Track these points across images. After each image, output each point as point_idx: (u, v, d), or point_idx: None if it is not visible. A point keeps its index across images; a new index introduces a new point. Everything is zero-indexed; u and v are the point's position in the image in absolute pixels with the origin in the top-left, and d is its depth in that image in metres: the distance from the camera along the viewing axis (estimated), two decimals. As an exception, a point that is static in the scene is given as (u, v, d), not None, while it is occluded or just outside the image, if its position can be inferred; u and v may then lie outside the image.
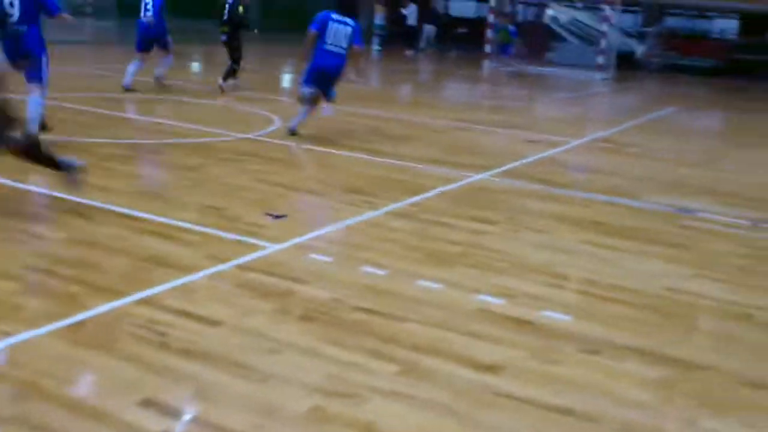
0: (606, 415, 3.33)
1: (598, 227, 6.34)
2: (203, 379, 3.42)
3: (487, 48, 23.47)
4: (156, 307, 4.14)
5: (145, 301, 4.22)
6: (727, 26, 29.51)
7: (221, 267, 4.81)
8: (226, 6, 13.13)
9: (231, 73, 13.18)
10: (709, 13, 30.21)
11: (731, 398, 3.56)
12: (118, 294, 4.25)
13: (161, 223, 5.62)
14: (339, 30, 9.15)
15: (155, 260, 4.85)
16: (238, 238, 5.40)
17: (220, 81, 12.96)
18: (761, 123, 14.67)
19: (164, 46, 12.82)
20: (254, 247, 5.21)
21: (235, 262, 4.91)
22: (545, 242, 5.83)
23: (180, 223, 5.63)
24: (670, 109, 15.64)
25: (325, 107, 9.78)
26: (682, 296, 4.85)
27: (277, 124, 10.29)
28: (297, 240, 5.42)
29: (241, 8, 12.97)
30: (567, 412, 3.33)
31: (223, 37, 13.34)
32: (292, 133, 9.43)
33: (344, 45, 9.18)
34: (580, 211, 6.88)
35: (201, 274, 4.68)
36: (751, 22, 27.61)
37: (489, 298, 4.56)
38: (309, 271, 4.85)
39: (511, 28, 18.86)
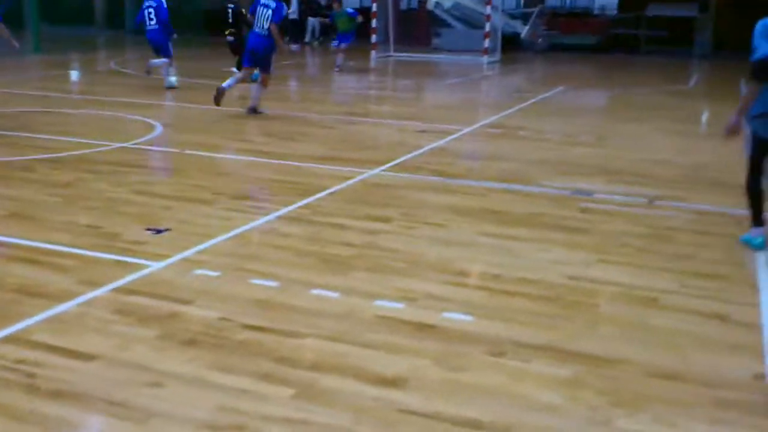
0: (516, 423, 3.15)
1: (497, 217, 6.21)
2: (76, 423, 3.06)
3: (373, 38, 23.30)
4: (23, 345, 3.74)
5: (10, 339, 3.80)
6: (607, 2, 30.28)
7: (97, 292, 4.41)
8: (229, 10, 14.65)
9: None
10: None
11: (643, 392, 3.43)
12: (-22, 334, 3.81)
13: (30, 248, 5.15)
14: (262, 13, 10.78)
15: (23, 290, 4.41)
16: (117, 258, 4.99)
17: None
18: (643, 97, 15.02)
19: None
20: (134, 267, 4.82)
21: (112, 285, 4.52)
22: (443, 237, 5.65)
23: (51, 246, 5.18)
24: (557, 88, 15.83)
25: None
26: (586, 284, 4.75)
27: (159, 130, 9.78)
28: (181, 255, 5.06)
29: (243, 10, 14.03)
30: (476, 425, 3.13)
31: (230, 38, 14.95)
32: (253, 111, 11.13)
33: (266, 26, 10.78)
34: (476, 201, 6.74)
35: (75, 302, 4.27)
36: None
37: (388, 303, 4.34)
38: (195, 289, 4.50)
39: (350, 11, 18.30)
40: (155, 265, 4.86)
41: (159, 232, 5.55)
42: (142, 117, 10.68)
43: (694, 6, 27.31)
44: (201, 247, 5.25)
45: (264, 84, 11.34)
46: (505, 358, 3.73)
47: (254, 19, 10.94)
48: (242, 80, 11.67)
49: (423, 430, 3.09)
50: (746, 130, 5.76)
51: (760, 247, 5.53)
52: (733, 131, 5.54)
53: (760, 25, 5.32)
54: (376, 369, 3.57)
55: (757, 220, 5.59)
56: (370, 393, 3.36)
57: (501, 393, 3.39)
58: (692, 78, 20.47)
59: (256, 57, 11.09)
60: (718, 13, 27.29)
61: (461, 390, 3.41)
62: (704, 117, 13.27)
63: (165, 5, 13.74)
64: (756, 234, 5.57)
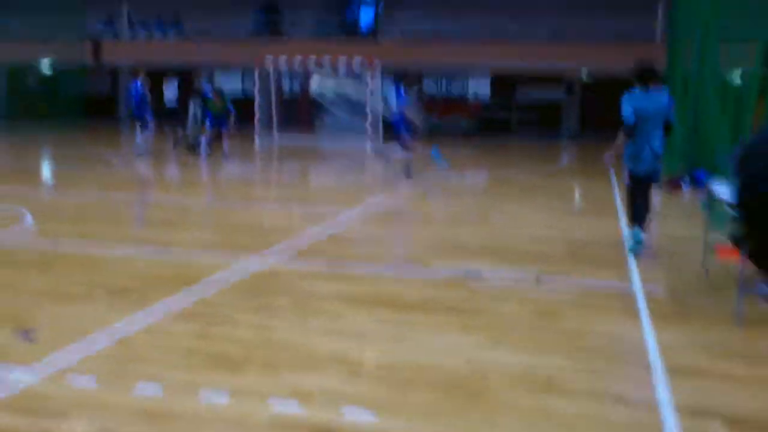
0: None
1: (390, 302, 6.10)
2: None
3: (256, 123, 23.30)
4: None
5: None
6: (480, 88, 31.56)
7: (-44, 409, 3.96)
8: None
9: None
10: (464, 77, 32.16)
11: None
12: None
13: None
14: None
15: None
16: (-20, 368, 4.54)
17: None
18: (521, 177, 15.52)
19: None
20: None
21: (-27, 400, 4.07)
22: (336, 327, 5.48)
23: None
24: (437, 170, 16.13)
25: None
26: (484, 366, 4.66)
27: (29, 220, 9.23)
28: (54, 361, 4.65)
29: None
30: None
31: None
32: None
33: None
34: (368, 286, 6.62)
35: (-70, 422, 3.81)
36: (500, 82, 29.70)
37: (283, 404, 4.09)
38: (70, 399, 4.12)
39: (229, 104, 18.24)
40: (23, 375, 4.44)
41: (27, 334, 5.12)
42: (10, 206, 10.08)
43: (561, 90, 28.85)
44: (76, 350, 4.86)
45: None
46: (409, 456, 3.55)
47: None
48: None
49: None
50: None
51: (638, 242, 7.87)
52: (609, 163, 8.03)
53: (624, 96, 7.76)
54: (274, 478, 3.32)
55: (633, 222, 7.98)
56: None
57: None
58: (562, 157, 21.39)
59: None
60: (583, 96, 28.90)
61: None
62: (577, 194, 13.79)
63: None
64: (634, 231, 7.91)
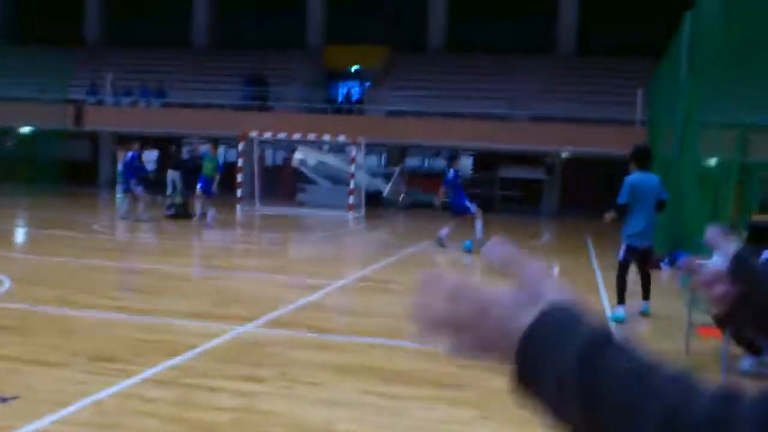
0: None
1: (377, 374, 5.98)
2: None
3: (239, 192, 23.32)
4: None
5: None
6: (463, 164, 31.93)
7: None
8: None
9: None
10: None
11: None
12: None
13: None
14: None
15: None
16: (-47, 433, 4.36)
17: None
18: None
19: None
20: (-26, 444, 4.21)
21: (-54, 467, 3.90)
22: (322, 397, 5.35)
23: None
24: (423, 243, 16.15)
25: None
26: (474, 445, 4.55)
27: (7, 285, 9.06)
28: (31, 427, 4.48)
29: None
30: None
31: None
32: None
33: None
34: (354, 357, 6.50)
35: None
36: (483, 159, 30.09)
37: (270, 476, 3.95)
38: (47, 467, 3.95)
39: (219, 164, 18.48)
40: (-1, 440, 4.28)
41: (4, 400, 4.94)
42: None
43: (541, 170, 29.26)
44: (54, 416, 4.69)
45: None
46: None
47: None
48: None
49: None
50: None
51: (621, 320, 8.23)
52: (609, 218, 8.75)
53: (626, 180, 8.28)
54: None
55: (621, 300, 8.43)
56: None
57: None
58: (543, 235, 21.51)
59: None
60: (564, 175, 29.29)
61: None
62: (556, 272, 13.80)
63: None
64: (620, 311, 8.36)
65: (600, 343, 0.74)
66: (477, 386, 5.77)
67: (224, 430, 4.61)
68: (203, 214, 17.59)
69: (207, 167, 17.56)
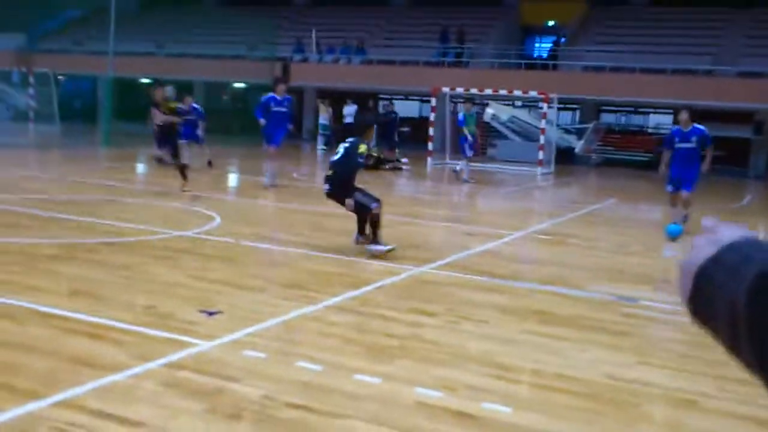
0: None
1: (540, 317, 6.28)
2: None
3: (430, 145, 23.92)
4: (76, 409, 3.91)
5: (64, 404, 3.97)
6: (662, 120, 30.67)
7: (149, 366, 4.59)
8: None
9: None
10: (644, 109, 31.42)
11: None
12: (37, 396, 4.01)
13: (89, 323, 5.39)
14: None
15: (80, 361, 4.62)
16: (170, 336, 5.19)
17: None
18: (697, 213, 15.03)
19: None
20: (186, 345, 5.00)
21: (164, 360, 4.69)
22: (486, 333, 5.74)
23: (109, 322, 5.41)
24: (609, 201, 15.96)
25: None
26: (625, 384, 4.77)
27: (218, 221, 10.16)
28: (231, 336, 5.24)
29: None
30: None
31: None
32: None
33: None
34: (521, 301, 6.83)
35: (127, 373, 4.45)
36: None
37: (428, 392, 4.42)
38: (242, 368, 4.66)
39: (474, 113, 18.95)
40: (205, 344, 5.04)
41: (211, 314, 5.76)
42: (203, 209, 11.12)
43: (748, 128, 27.48)
44: (250, 329, 5.43)
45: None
46: (541, 448, 3.77)
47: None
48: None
49: None
50: None
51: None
52: None
53: None
54: (413, 451, 3.64)
55: None
56: (405, 473, 3.42)
57: (534, 480, 3.43)
58: (746, 196, 20.38)
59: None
60: (775, 135, 27.36)
61: (495, 475, 3.45)
62: (760, 234, 13.20)
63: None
64: None
65: None
66: (638, 334, 5.93)
67: (393, 352, 5.13)
68: (460, 170, 18.48)
69: (470, 127, 18.40)
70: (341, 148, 8.66)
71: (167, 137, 13.11)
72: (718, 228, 0.85)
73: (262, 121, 14.18)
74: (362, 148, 8.48)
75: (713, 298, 0.80)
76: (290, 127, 14.57)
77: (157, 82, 14.20)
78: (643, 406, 4.43)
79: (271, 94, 14.34)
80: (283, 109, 14.22)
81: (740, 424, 4.24)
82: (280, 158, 15.05)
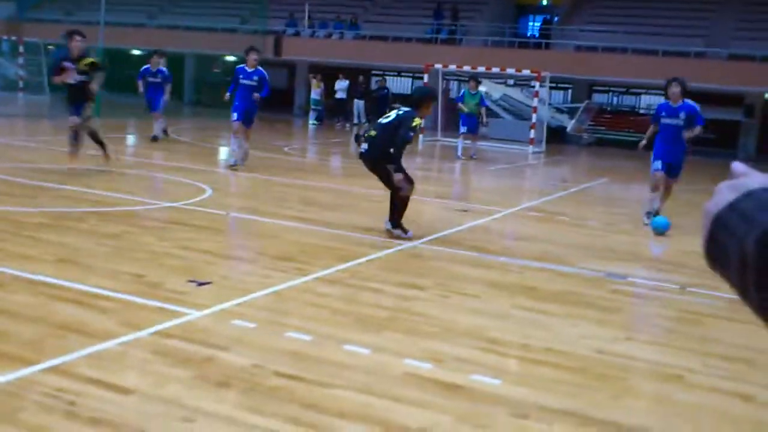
0: (535, 479, 3.20)
1: (530, 292, 6.30)
2: (108, 451, 3.19)
3: (422, 122, 23.90)
4: (66, 375, 3.90)
5: (54, 369, 3.97)
6: (654, 102, 30.66)
7: (138, 334, 4.58)
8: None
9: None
10: (636, 90, 31.40)
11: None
12: (26, 362, 4.00)
13: (77, 291, 5.37)
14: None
15: (69, 327, 4.61)
16: (159, 304, 5.18)
17: None
18: (686, 193, 15.08)
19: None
20: (175, 314, 5.00)
21: (153, 329, 4.69)
22: (476, 307, 5.76)
23: (97, 290, 5.40)
24: (600, 180, 15.99)
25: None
26: (613, 358, 4.80)
27: (209, 193, 10.12)
28: (220, 306, 5.23)
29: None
30: (495, 476, 3.19)
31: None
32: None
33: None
34: (511, 277, 6.85)
35: (117, 341, 4.44)
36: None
37: (417, 363, 4.43)
38: (231, 337, 4.66)
39: (482, 93, 18.57)
40: (194, 314, 5.04)
41: (200, 284, 5.75)
42: (193, 181, 11.07)
43: (739, 111, 27.52)
44: (239, 300, 5.42)
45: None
46: (529, 420, 3.79)
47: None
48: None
49: (442, 479, 3.16)
50: None
51: None
52: None
53: None
54: (401, 420, 3.66)
55: None
56: (393, 442, 3.44)
57: (521, 451, 3.45)
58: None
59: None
60: (764, 118, 27.43)
61: (482, 445, 3.47)
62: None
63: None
64: None
65: None
66: (626, 310, 5.96)
67: (382, 323, 5.14)
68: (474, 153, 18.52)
69: (469, 105, 18.21)
70: (393, 113, 7.98)
71: (78, 99, 11.08)
72: (747, 174, 0.85)
73: (227, 96, 13.17)
74: (417, 121, 7.82)
75: (726, 244, 0.80)
76: (256, 96, 12.82)
77: (72, 32, 11.04)
78: (630, 381, 4.46)
79: (242, 65, 13.21)
80: (250, 83, 12.84)
81: (725, 399, 4.28)
82: (253, 136, 14.26)
